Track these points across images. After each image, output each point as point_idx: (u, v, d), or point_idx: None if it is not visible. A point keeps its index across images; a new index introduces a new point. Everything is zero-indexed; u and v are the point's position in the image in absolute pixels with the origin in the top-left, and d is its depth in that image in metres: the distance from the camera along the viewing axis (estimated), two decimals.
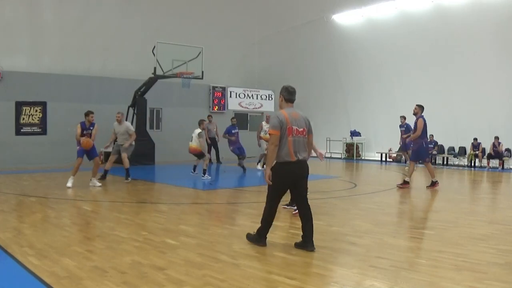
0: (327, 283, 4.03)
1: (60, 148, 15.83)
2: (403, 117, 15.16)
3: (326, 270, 4.33)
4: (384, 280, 3.98)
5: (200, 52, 15.68)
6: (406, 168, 15.43)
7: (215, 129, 16.53)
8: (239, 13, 19.68)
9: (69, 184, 10.02)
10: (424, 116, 10.62)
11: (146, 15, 17.63)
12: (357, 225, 6.34)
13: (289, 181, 4.98)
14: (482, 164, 16.96)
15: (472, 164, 17.05)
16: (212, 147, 16.53)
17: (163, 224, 6.38)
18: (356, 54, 19.33)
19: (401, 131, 15.34)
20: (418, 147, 10.47)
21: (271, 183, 4.93)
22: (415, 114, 10.70)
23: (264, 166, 13.44)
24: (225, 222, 6.56)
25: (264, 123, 14.01)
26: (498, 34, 15.18)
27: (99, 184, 10.36)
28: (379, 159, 19.90)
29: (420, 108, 10.72)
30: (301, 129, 4.97)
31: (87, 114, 10.32)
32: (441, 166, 17.55)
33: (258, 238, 5.11)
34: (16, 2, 15.36)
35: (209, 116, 17.40)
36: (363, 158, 20.54)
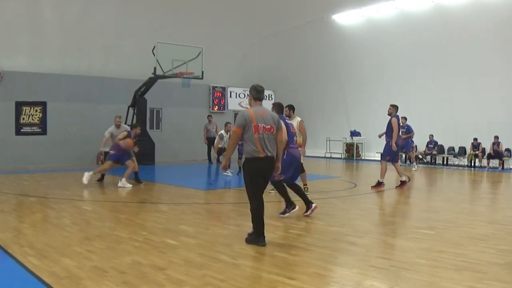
0: (327, 283, 4.03)
1: (60, 148, 15.85)
2: (404, 118, 15.07)
3: (326, 270, 4.33)
4: (384, 280, 3.98)
5: (200, 52, 15.68)
6: (413, 169, 15.46)
7: (214, 129, 16.52)
8: (239, 13, 19.68)
9: (86, 181, 10.10)
10: (398, 115, 10.65)
11: (146, 15, 17.63)
12: (357, 225, 6.34)
13: (259, 175, 5.15)
14: (482, 164, 16.96)
15: (472, 164, 17.05)
16: (211, 147, 16.54)
17: (163, 224, 6.38)
18: (356, 54, 19.33)
19: (401, 132, 15.06)
20: (387, 146, 10.44)
21: (224, 171, 5.49)
22: (389, 114, 10.57)
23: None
24: (225, 222, 6.56)
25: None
26: (498, 34, 15.18)
27: (129, 185, 10.22)
28: (379, 159, 19.88)
29: (395, 108, 10.64)
30: (268, 126, 5.13)
31: (135, 126, 10.83)
32: (441, 166, 17.55)
33: (256, 237, 5.14)
34: (17, 2, 15.36)
35: (209, 116, 17.40)
36: (363, 158, 20.54)
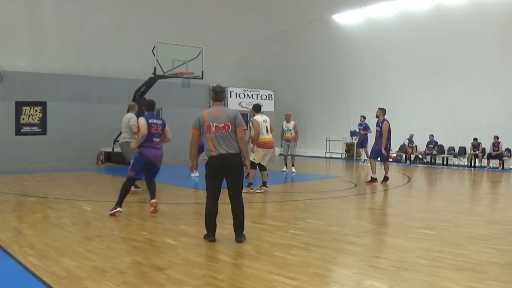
0: (327, 283, 4.03)
1: (60, 148, 15.84)
2: (363, 117, 16.85)
3: (326, 270, 4.33)
4: (384, 280, 3.98)
5: (200, 52, 15.67)
6: (368, 164, 15.73)
7: None
8: (239, 13, 19.67)
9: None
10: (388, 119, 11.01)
11: (146, 15, 17.62)
12: (357, 225, 6.34)
13: (215, 173, 5.22)
14: (482, 164, 16.96)
15: (472, 164, 17.05)
16: None
17: (163, 224, 6.38)
18: (356, 54, 19.33)
19: (359, 129, 17.06)
20: (377, 148, 11.10)
21: (191, 172, 5.89)
22: (377, 116, 11.06)
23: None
24: (225, 222, 6.55)
25: (284, 122, 13.99)
26: (498, 33, 15.18)
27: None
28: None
29: (382, 111, 11.07)
30: (222, 125, 5.20)
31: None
32: (441, 166, 17.56)
33: (206, 234, 5.34)
34: (17, 2, 15.36)
35: None
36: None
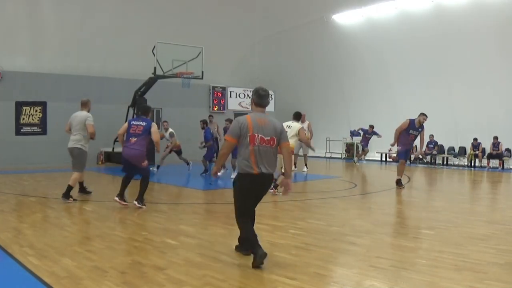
0: (327, 283, 4.03)
1: (60, 148, 15.74)
2: (372, 126, 17.84)
3: (326, 270, 4.33)
4: (384, 280, 3.98)
5: (200, 52, 15.67)
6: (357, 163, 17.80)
7: (215, 129, 16.54)
8: (239, 13, 19.67)
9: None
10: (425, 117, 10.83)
11: (146, 15, 17.62)
12: (357, 225, 6.34)
13: (250, 194, 4.53)
14: (482, 164, 16.96)
15: (472, 164, 17.05)
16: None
17: (163, 224, 6.38)
18: (356, 54, 19.33)
19: (367, 137, 18.09)
20: (407, 149, 10.94)
21: (215, 177, 4.95)
22: (422, 122, 10.77)
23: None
24: (225, 222, 6.55)
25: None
26: (498, 34, 15.18)
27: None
28: (379, 159, 19.90)
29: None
30: (268, 138, 4.40)
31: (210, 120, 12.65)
32: (441, 166, 17.55)
33: (255, 251, 4.39)
34: (17, 2, 15.35)
35: (210, 116, 17.42)
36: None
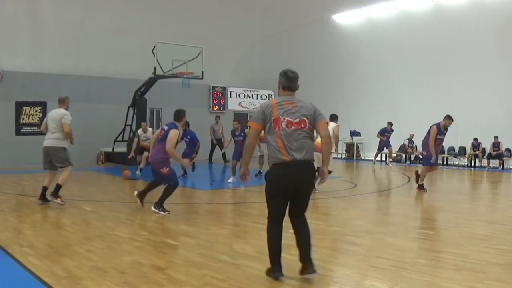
0: (327, 283, 4.03)
1: None
2: (390, 123, 16.64)
3: (326, 270, 4.33)
4: (384, 280, 3.98)
5: (200, 52, 15.68)
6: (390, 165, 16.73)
7: (220, 130, 16.53)
8: (239, 13, 19.67)
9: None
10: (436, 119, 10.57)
11: (146, 15, 17.62)
12: (357, 225, 6.34)
13: (281, 186, 3.85)
14: (482, 164, 16.96)
15: (472, 164, 17.05)
16: (217, 147, 16.74)
17: (163, 224, 6.38)
18: (356, 54, 19.32)
19: (386, 136, 16.74)
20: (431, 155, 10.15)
21: (245, 181, 4.16)
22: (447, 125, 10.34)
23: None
24: (225, 222, 6.56)
25: None
26: (498, 33, 15.17)
27: None
28: (379, 159, 19.90)
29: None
30: (297, 120, 3.86)
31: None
32: (441, 166, 17.55)
33: (270, 268, 4.01)
34: (17, 2, 15.35)
35: (216, 116, 17.52)
36: (363, 158, 20.53)
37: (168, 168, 7.04)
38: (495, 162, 16.70)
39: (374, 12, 18.26)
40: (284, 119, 3.86)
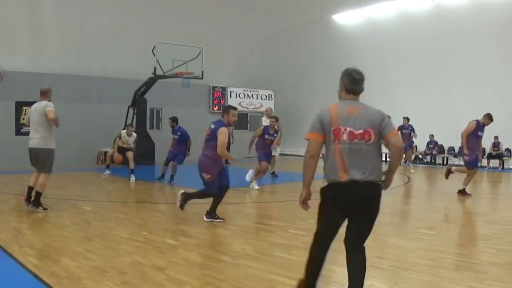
0: (327, 283, 4.02)
1: (60, 148, 15.74)
2: (407, 118, 15.00)
3: (326, 270, 4.32)
4: (384, 280, 3.99)
5: (200, 52, 15.68)
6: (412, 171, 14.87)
7: (231, 131, 16.41)
8: (239, 13, 19.68)
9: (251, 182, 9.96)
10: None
11: (146, 15, 17.63)
12: None
13: (340, 208, 3.26)
14: (482, 164, 16.95)
15: None
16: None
17: (163, 224, 6.38)
18: (356, 54, 19.31)
19: (404, 133, 14.86)
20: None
21: (307, 208, 3.42)
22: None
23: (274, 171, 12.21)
24: (225, 222, 6.55)
25: (264, 118, 12.48)
26: (498, 33, 15.18)
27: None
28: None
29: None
30: (360, 131, 3.17)
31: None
32: (441, 166, 17.54)
33: (305, 282, 3.53)
34: (17, 2, 15.35)
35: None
36: None
37: (210, 176, 6.30)
38: (495, 162, 16.69)
39: (374, 12, 18.27)
40: (345, 129, 3.18)
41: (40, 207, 6.94)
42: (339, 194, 3.21)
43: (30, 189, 7.19)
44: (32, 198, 6.97)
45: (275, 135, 10.53)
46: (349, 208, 3.25)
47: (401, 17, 17.46)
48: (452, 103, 17.15)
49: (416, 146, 18.49)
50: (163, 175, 11.12)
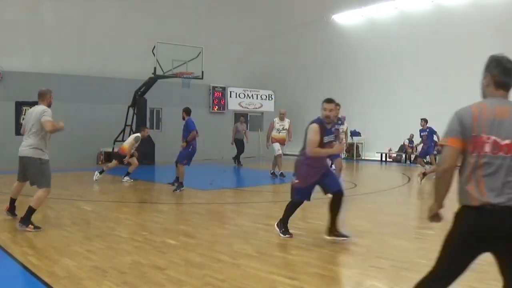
0: (327, 283, 4.02)
1: (60, 148, 15.79)
2: (425, 120, 13.80)
3: (326, 270, 4.33)
4: (384, 280, 3.98)
5: (200, 52, 15.69)
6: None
7: (244, 131, 16.31)
8: (239, 13, 19.70)
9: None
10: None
11: (146, 15, 17.64)
12: (357, 225, 6.33)
13: (474, 242, 2.55)
14: None
15: None
16: (237, 148, 16.22)
17: (163, 224, 6.38)
18: (356, 54, 19.34)
19: (422, 135, 13.96)
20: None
21: (439, 220, 2.88)
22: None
23: (274, 171, 12.03)
24: (225, 222, 6.56)
25: (276, 119, 12.48)
26: (498, 33, 15.18)
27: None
28: (379, 159, 19.89)
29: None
30: (507, 142, 2.39)
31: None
32: None
33: None
34: (17, 2, 15.37)
35: (241, 117, 17.50)
36: (363, 158, 20.53)
37: (298, 181, 5.60)
38: None
39: (374, 12, 18.29)
40: (489, 138, 2.42)
41: (30, 226, 5.63)
42: (473, 221, 2.56)
43: (13, 200, 6.40)
44: (23, 215, 5.74)
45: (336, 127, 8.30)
46: (493, 240, 2.54)
47: (401, 17, 17.48)
48: (452, 103, 17.07)
49: (416, 146, 18.52)
50: (177, 178, 9.79)
